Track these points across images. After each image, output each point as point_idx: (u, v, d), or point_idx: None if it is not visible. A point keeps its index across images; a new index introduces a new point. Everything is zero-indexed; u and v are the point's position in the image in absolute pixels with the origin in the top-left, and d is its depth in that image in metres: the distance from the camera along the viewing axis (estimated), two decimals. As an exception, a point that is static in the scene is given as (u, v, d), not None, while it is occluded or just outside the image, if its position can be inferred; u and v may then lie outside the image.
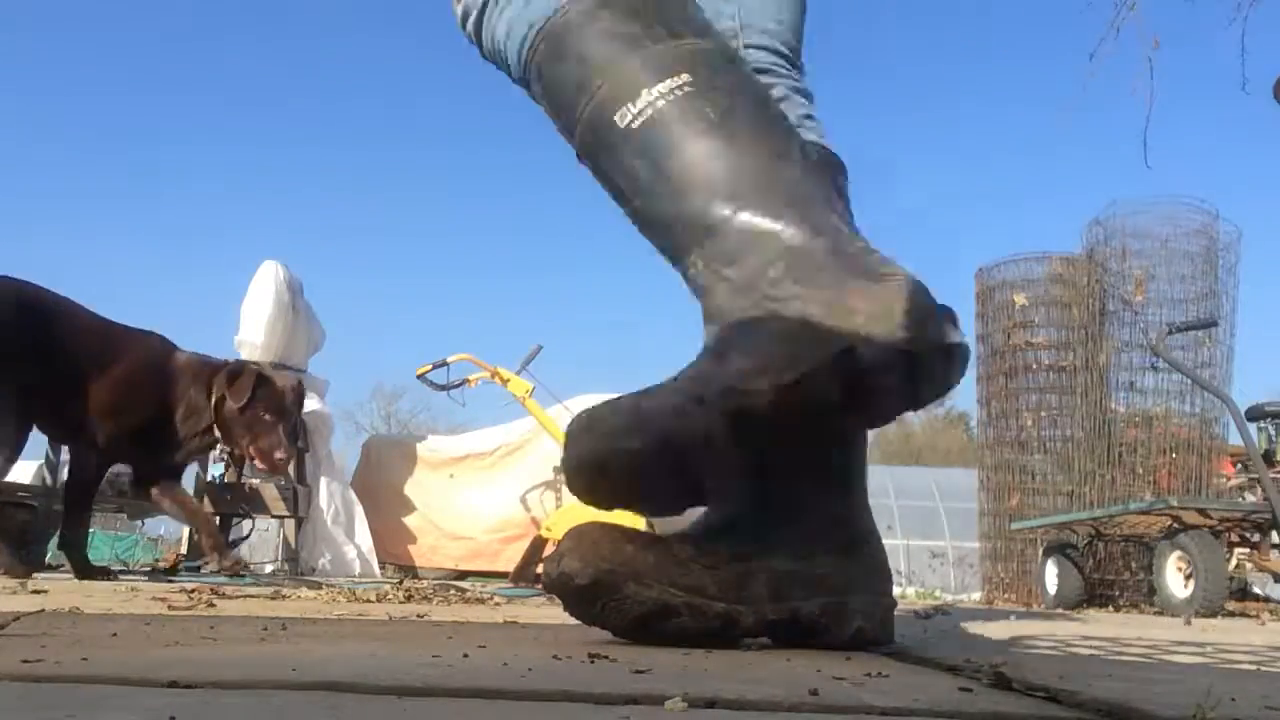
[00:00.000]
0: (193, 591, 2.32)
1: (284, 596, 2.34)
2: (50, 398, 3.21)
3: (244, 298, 5.46)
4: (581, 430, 1.15)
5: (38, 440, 4.90)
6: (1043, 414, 6.79)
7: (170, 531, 19.17)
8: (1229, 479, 6.03)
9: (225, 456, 5.79)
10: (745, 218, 1.12)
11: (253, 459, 3.51)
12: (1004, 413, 6.96)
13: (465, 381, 5.70)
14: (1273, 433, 5.70)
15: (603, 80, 1.17)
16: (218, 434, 3.42)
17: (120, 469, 5.82)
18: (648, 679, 0.88)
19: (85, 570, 3.34)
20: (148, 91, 56.21)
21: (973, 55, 58.76)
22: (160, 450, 3.39)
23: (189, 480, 6.13)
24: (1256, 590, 5.60)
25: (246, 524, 5.33)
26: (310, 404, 5.03)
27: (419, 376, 5.75)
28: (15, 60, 53.15)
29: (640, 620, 1.15)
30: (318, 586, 2.96)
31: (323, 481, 5.82)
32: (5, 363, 3.05)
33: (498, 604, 2.38)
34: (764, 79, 1.33)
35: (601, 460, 1.14)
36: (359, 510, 6.05)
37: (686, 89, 1.15)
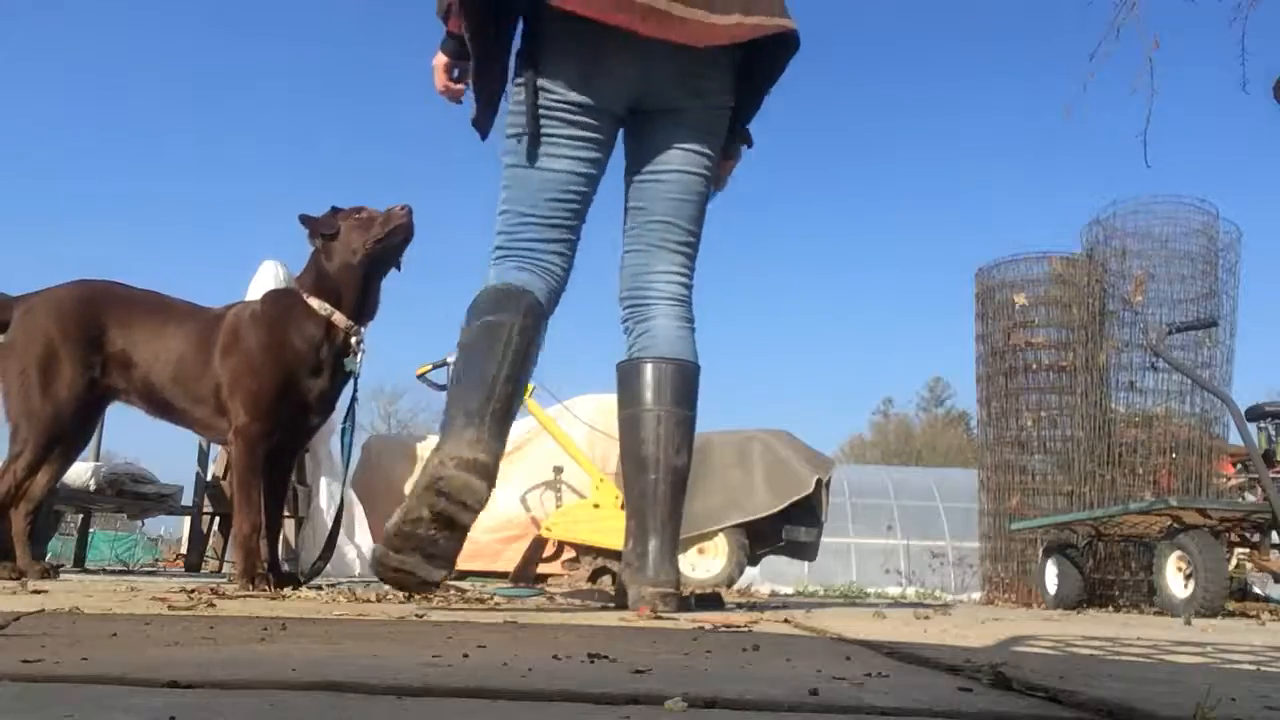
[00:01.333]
0: (193, 591, 2.32)
1: (284, 596, 2.34)
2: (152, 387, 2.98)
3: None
4: None
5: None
6: (1043, 414, 6.78)
7: (170, 531, 19.11)
8: (1229, 479, 6.02)
9: (229, 455, 5.80)
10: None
11: None
12: (1004, 413, 6.95)
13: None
14: (1273, 433, 5.69)
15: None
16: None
17: (119, 470, 5.83)
18: (648, 679, 0.88)
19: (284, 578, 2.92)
20: (147, 91, 56.24)
21: (973, 54, 58.81)
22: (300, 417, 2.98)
23: (188, 480, 6.15)
24: (1256, 590, 5.59)
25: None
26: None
27: (419, 376, 5.74)
28: (13, 60, 53.19)
29: None
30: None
31: (323, 481, 5.82)
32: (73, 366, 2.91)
33: (498, 604, 2.38)
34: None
35: None
36: (359, 510, 6.04)
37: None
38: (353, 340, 2.93)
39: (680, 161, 2.34)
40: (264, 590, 2.58)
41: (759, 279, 61.40)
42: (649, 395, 2.27)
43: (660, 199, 2.35)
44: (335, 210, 2.99)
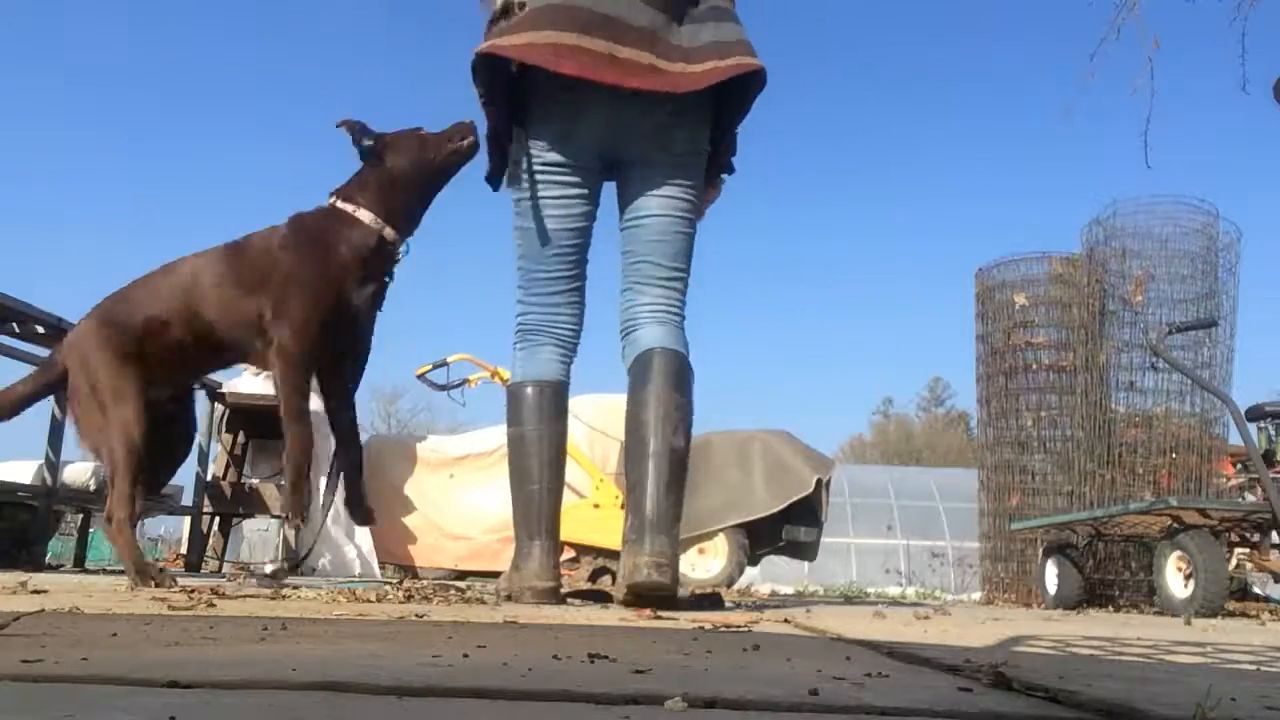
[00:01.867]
0: (193, 592, 2.32)
1: (284, 596, 2.34)
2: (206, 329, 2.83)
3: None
4: None
5: (36, 439, 4.91)
6: (1043, 414, 6.78)
7: (170, 531, 19.07)
8: (1229, 479, 6.02)
9: (229, 455, 5.80)
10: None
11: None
12: (1004, 413, 6.95)
13: (465, 381, 5.70)
14: (1273, 433, 5.69)
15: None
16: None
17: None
18: (648, 679, 0.88)
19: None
20: (146, 91, 56.23)
21: (974, 54, 58.77)
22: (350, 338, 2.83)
23: (188, 480, 6.15)
24: (1256, 590, 5.58)
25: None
26: (310, 403, 4.91)
27: (419, 376, 5.74)
28: (13, 59, 53.17)
29: None
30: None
31: (323, 481, 5.82)
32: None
33: (498, 604, 2.38)
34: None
35: None
36: (359, 510, 6.04)
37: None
38: (400, 254, 2.86)
39: (655, 207, 2.55)
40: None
41: (759, 280, 61.40)
42: (644, 381, 2.44)
43: (642, 242, 2.57)
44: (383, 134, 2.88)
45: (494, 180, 2.64)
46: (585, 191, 2.56)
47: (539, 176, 2.50)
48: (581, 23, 2.32)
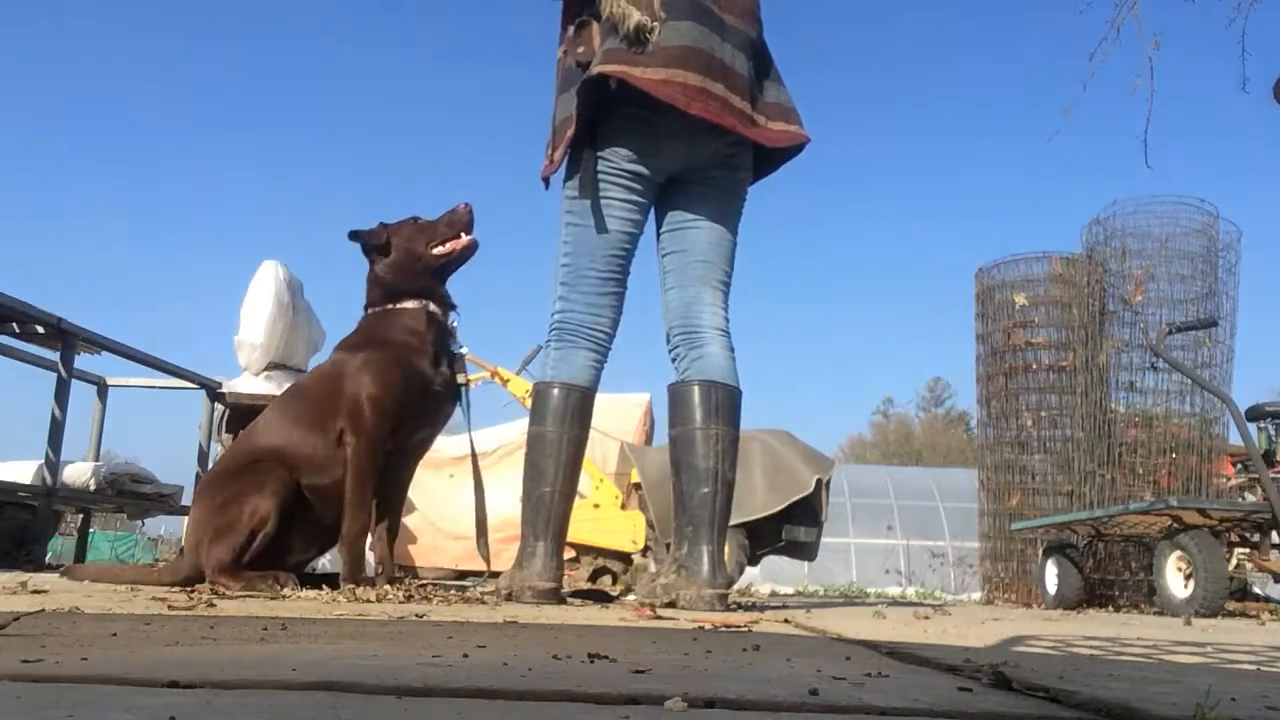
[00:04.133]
0: (193, 592, 2.32)
1: (284, 596, 2.34)
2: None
3: (244, 298, 5.44)
4: None
5: (36, 439, 4.92)
6: (1043, 414, 6.78)
7: (170, 531, 19.06)
8: (1229, 479, 6.02)
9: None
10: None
11: None
12: (1004, 413, 6.95)
13: (465, 381, 5.69)
14: (1273, 433, 5.69)
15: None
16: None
17: (119, 470, 5.83)
18: (648, 679, 0.88)
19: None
20: (148, 92, 56.23)
21: (974, 54, 58.78)
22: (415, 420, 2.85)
23: (188, 480, 6.14)
24: (1256, 590, 5.58)
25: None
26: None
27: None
28: (15, 61, 53.17)
29: None
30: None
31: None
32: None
33: (498, 604, 2.38)
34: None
35: None
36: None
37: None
38: (451, 324, 2.92)
39: (715, 215, 2.73)
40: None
41: (758, 280, 61.41)
42: (704, 415, 2.58)
43: (701, 243, 2.72)
44: (384, 225, 2.95)
45: (547, 179, 2.72)
46: (647, 202, 2.71)
47: (614, 181, 2.62)
48: (704, 65, 2.50)
